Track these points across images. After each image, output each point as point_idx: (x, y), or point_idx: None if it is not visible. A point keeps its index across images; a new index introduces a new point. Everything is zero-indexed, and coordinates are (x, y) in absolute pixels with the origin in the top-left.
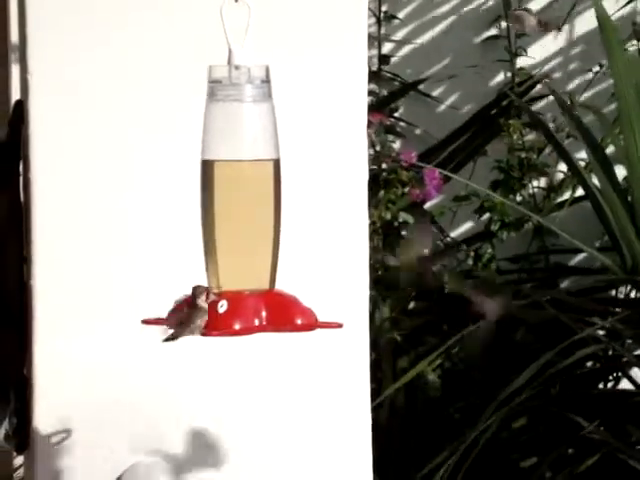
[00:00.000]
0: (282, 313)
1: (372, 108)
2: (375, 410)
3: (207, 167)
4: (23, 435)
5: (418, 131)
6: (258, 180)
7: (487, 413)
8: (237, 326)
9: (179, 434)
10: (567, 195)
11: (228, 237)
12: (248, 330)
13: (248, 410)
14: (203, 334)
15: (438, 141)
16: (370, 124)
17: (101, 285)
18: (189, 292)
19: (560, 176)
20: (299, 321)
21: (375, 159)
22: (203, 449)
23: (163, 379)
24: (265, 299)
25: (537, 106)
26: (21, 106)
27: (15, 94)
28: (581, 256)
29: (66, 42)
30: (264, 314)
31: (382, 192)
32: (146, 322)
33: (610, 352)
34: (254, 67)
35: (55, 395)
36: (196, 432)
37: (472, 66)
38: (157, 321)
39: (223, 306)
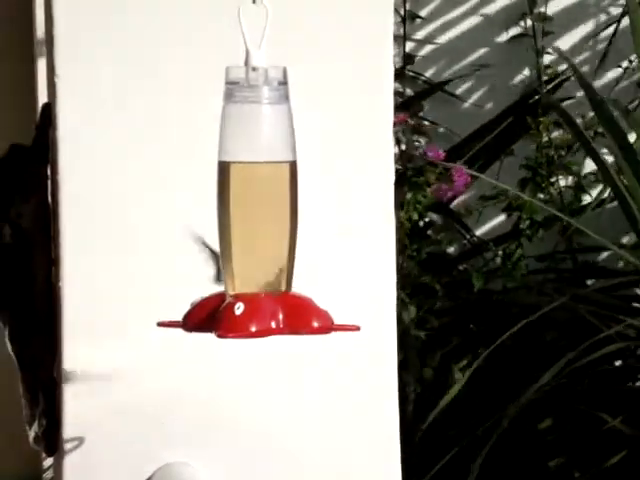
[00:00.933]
0: (299, 315)
1: (397, 108)
2: (402, 409)
3: (223, 169)
4: (52, 437)
5: (442, 130)
6: (274, 182)
7: (511, 410)
8: (254, 328)
9: (210, 436)
10: (594, 193)
11: (244, 239)
12: (265, 332)
13: (275, 411)
14: (220, 336)
15: (462, 138)
16: (394, 125)
17: (129, 287)
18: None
19: (588, 175)
20: (315, 324)
21: (400, 158)
22: (232, 451)
23: (193, 383)
24: (282, 301)
25: (564, 104)
26: (48, 109)
27: (42, 97)
28: (607, 253)
29: (93, 44)
30: (281, 316)
31: (407, 192)
32: (161, 324)
33: (639, 351)
34: (271, 69)
35: (84, 397)
36: (225, 434)
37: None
38: (171, 323)
39: (240, 308)
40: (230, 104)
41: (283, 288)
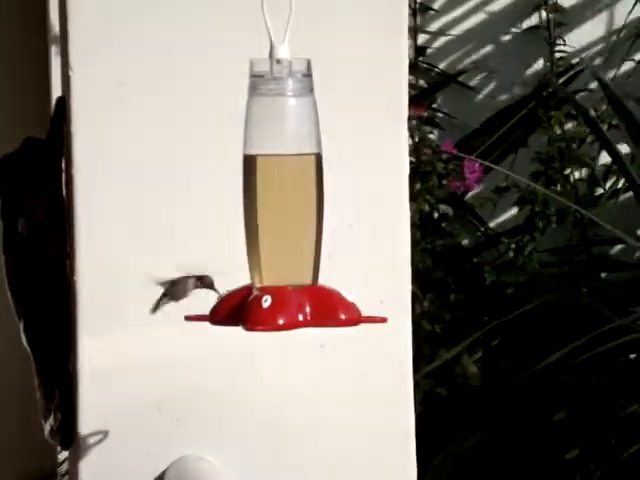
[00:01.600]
0: (325, 308)
1: (410, 100)
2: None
3: (249, 162)
4: (68, 431)
5: (456, 121)
6: (300, 174)
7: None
8: (281, 321)
9: (224, 431)
10: (608, 186)
11: (270, 232)
12: (292, 325)
13: (291, 406)
14: (247, 329)
15: (473, 129)
16: (409, 117)
17: (144, 280)
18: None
19: (601, 167)
20: (343, 316)
21: (414, 151)
22: (247, 446)
23: (208, 376)
24: (308, 294)
25: (577, 96)
26: (63, 102)
27: (56, 90)
28: (621, 246)
29: (107, 37)
30: (308, 309)
31: (419, 184)
32: (188, 318)
33: None
34: (295, 61)
35: (99, 391)
36: (240, 429)
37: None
38: (199, 317)
39: (267, 301)
40: (255, 97)
41: (310, 281)
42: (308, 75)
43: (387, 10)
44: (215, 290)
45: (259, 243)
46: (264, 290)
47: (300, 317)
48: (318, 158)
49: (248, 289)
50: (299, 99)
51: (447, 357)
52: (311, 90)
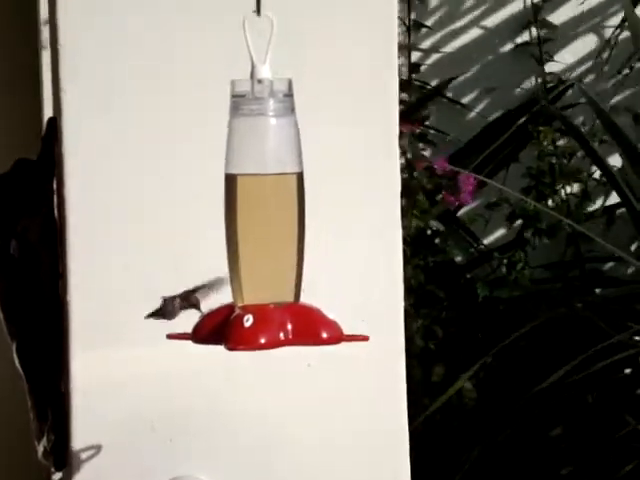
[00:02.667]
0: (307, 326)
1: (403, 116)
2: (411, 419)
3: (230, 181)
4: (61, 452)
5: (448, 138)
6: (281, 193)
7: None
8: (263, 340)
9: (218, 449)
10: (599, 200)
11: (252, 250)
12: (274, 344)
13: (284, 424)
14: (229, 349)
15: (464, 143)
16: (401, 134)
17: (136, 300)
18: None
19: (593, 181)
20: (324, 334)
21: (406, 167)
22: (241, 465)
23: (199, 395)
24: (290, 312)
25: (568, 111)
26: (54, 123)
27: (47, 111)
28: (612, 263)
29: (98, 58)
30: (289, 327)
31: (412, 200)
32: (170, 337)
33: None
34: (277, 81)
35: (92, 411)
36: (234, 447)
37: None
38: (181, 336)
39: (249, 320)
40: (236, 117)
41: (291, 299)
42: (289, 95)
43: (376, 25)
44: (200, 310)
45: (240, 262)
46: (246, 309)
47: (282, 336)
48: (299, 177)
49: (230, 308)
50: (280, 119)
51: (441, 373)
52: (292, 110)
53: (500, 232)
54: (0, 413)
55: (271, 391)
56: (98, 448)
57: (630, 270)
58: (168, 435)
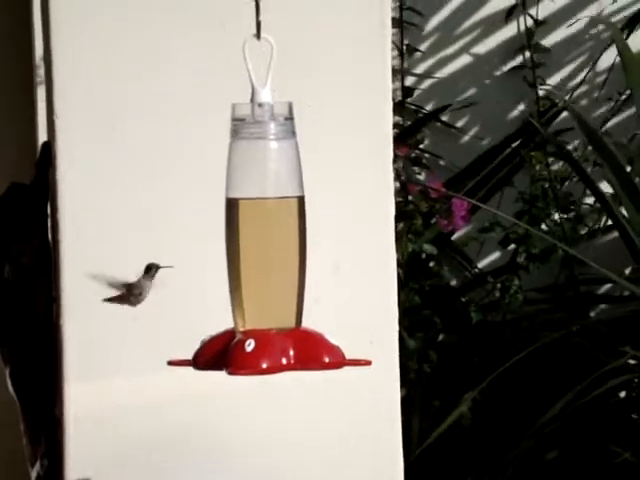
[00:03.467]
0: (309, 351)
1: (397, 140)
2: (406, 443)
3: (231, 205)
4: (54, 477)
5: (442, 162)
6: (283, 217)
7: (523, 445)
8: (265, 365)
9: (216, 472)
10: (593, 224)
11: (253, 275)
12: (276, 369)
13: (282, 449)
14: (230, 373)
15: (460, 170)
16: (395, 158)
17: (130, 325)
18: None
19: (586, 206)
20: (327, 359)
21: (400, 191)
22: None
23: (196, 421)
24: (292, 337)
25: (561, 136)
26: (48, 147)
27: (42, 135)
28: (609, 286)
29: (92, 84)
30: (291, 352)
31: (400, 223)
32: (171, 363)
33: None
34: (277, 104)
35: (86, 437)
36: (231, 469)
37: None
38: (182, 362)
39: (250, 345)
40: (237, 140)
41: (293, 323)
42: (290, 118)
43: (371, 50)
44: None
45: (242, 286)
46: (247, 334)
47: (284, 361)
48: (300, 201)
49: (231, 333)
50: (281, 142)
51: (436, 399)
52: (293, 133)
53: (495, 255)
54: None
55: (268, 416)
56: (92, 473)
57: (625, 293)
58: (163, 460)
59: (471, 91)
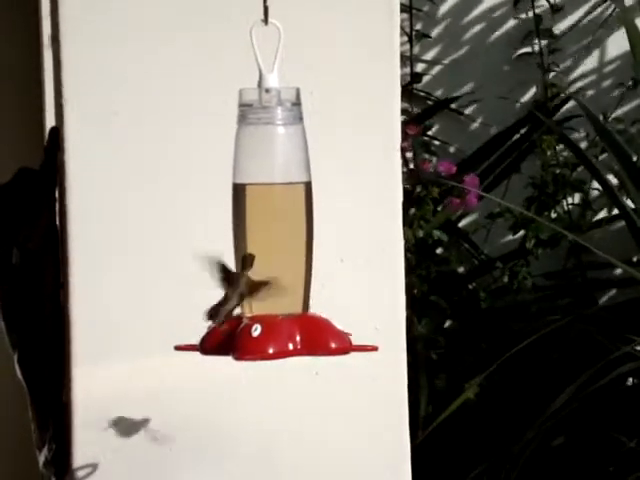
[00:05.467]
0: (316, 337)
1: (405, 123)
2: (413, 430)
3: (238, 191)
4: (62, 462)
5: (452, 149)
6: (290, 203)
7: (529, 434)
8: (271, 350)
9: (221, 459)
10: (603, 210)
11: (260, 260)
12: (282, 354)
13: (287, 435)
14: (237, 358)
15: (467, 155)
16: (407, 137)
17: (137, 310)
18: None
19: (596, 192)
20: (333, 345)
21: (409, 177)
22: (242, 476)
23: (202, 406)
24: (299, 323)
25: (572, 121)
26: (56, 133)
27: (49, 121)
28: (617, 272)
29: (100, 68)
30: (298, 338)
31: (412, 208)
32: (178, 348)
33: None
34: (284, 90)
35: (93, 421)
36: (236, 457)
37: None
38: (189, 347)
39: (257, 330)
40: (244, 126)
41: (300, 309)
42: (297, 104)
43: (379, 36)
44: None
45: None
46: (254, 319)
47: (290, 346)
48: (308, 186)
49: (238, 318)
50: (288, 128)
51: (444, 384)
52: (300, 119)
53: (501, 242)
54: (4, 422)
55: (275, 401)
56: (99, 458)
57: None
58: (168, 445)
59: (480, 78)
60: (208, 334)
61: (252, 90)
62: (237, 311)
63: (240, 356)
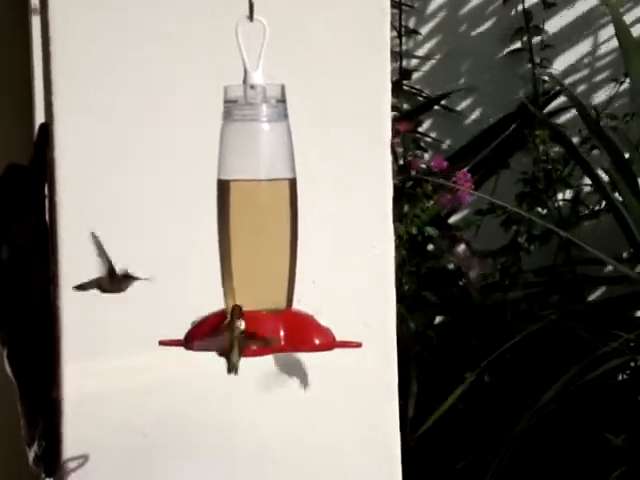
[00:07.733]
0: (300, 333)
1: (395, 120)
2: (402, 426)
3: (223, 187)
4: (52, 458)
5: (444, 146)
6: (274, 199)
7: (516, 429)
8: (254, 347)
9: (210, 457)
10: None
11: (244, 256)
12: (266, 351)
13: (278, 432)
14: (221, 355)
15: (456, 150)
16: (397, 133)
17: (128, 305)
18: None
19: (587, 188)
20: (317, 341)
21: (400, 172)
22: (233, 473)
23: (192, 402)
24: (283, 319)
25: (562, 118)
26: (46, 129)
27: (39, 117)
28: (608, 268)
29: (89, 64)
30: (282, 334)
31: (405, 205)
32: (163, 343)
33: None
34: (269, 86)
35: (83, 418)
36: (226, 454)
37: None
38: (173, 342)
39: (241, 326)
40: (229, 122)
41: (284, 305)
42: (282, 100)
43: (369, 32)
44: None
45: (232, 268)
46: None
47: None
48: (292, 183)
49: (222, 314)
50: (273, 124)
51: (434, 380)
52: (285, 115)
53: (492, 238)
54: None
55: (264, 398)
56: (89, 454)
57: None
58: (159, 442)
59: (470, 74)
60: (193, 329)
61: (237, 87)
62: (222, 306)
63: (224, 352)
